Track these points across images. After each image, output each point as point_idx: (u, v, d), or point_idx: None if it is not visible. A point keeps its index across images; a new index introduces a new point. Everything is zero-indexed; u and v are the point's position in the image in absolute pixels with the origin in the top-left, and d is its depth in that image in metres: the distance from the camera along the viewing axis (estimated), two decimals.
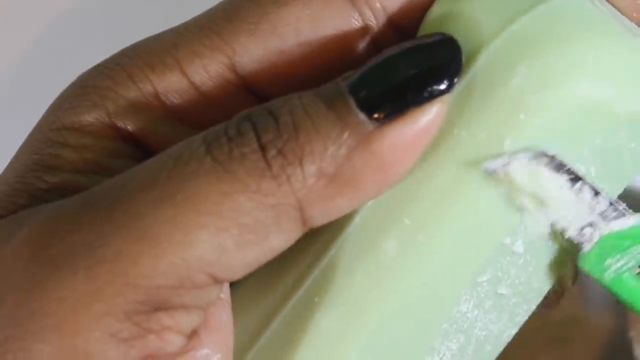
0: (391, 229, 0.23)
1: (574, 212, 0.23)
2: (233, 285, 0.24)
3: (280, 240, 0.21)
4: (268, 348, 0.23)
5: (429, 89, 0.21)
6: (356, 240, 0.23)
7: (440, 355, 0.24)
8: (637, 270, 0.24)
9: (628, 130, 0.23)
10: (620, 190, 0.24)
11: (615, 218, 0.23)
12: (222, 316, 0.23)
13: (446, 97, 0.21)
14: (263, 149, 0.21)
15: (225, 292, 0.23)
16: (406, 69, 0.21)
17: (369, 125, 0.21)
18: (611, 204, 0.23)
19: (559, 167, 0.23)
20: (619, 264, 0.24)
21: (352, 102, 0.21)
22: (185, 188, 0.20)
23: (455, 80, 0.21)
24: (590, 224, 0.23)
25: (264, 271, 0.23)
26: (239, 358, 0.24)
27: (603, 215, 0.23)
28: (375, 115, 0.21)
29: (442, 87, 0.21)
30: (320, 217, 0.21)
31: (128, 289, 0.20)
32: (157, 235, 0.20)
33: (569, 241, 0.24)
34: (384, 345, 0.23)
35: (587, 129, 0.23)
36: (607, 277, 0.24)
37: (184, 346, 0.21)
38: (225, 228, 0.20)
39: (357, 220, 0.23)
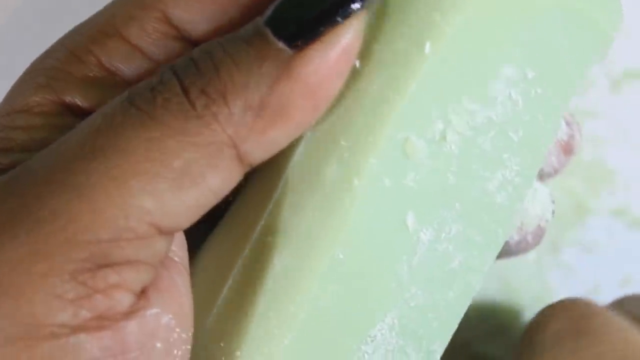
0: (330, 154, 0.22)
1: None
2: (199, 254, 0.24)
3: (217, 179, 0.21)
4: (232, 298, 0.23)
5: (344, 8, 0.21)
6: (300, 175, 0.23)
7: (400, 274, 0.23)
8: None
9: (551, 21, 0.23)
10: (569, 101, 0.24)
11: None
12: (175, 278, 0.22)
13: (362, 14, 0.21)
14: (186, 91, 0.21)
15: (180, 256, 0.23)
16: None
17: (289, 52, 0.21)
18: None
19: None
20: None
21: (268, 33, 0.21)
22: (114, 140, 0.20)
23: None
24: None
25: (224, 230, 0.23)
26: (206, 313, 0.23)
27: None
28: (294, 42, 0.21)
29: (357, 4, 0.21)
30: (257, 152, 0.21)
31: (69, 247, 0.20)
32: (92, 190, 0.20)
33: None
34: (344, 273, 0.23)
35: (507, 23, 0.23)
36: None
37: (133, 305, 0.21)
38: (158, 173, 0.20)
39: (298, 155, 0.23)
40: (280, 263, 0.23)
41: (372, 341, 0.23)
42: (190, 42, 0.24)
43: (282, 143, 0.22)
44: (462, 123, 0.23)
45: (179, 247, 0.23)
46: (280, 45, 0.21)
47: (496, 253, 0.25)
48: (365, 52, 0.22)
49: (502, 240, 0.24)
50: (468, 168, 0.23)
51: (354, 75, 0.22)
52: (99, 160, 0.20)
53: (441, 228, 0.23)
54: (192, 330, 0.22)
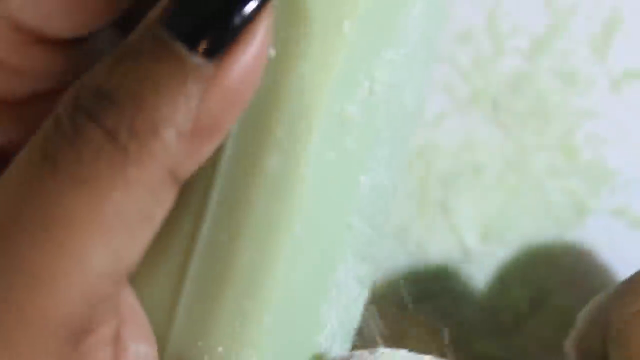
0: (268, 146, 0.22)
1: None
2: None
3: (163, 211, 0.20)
4: (195, 300, 0.23)
5: (253, 3, 0.20)
6: (237, 170, 0.23)
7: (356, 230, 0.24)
8: None
9: None
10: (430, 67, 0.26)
11: None
12: (129, 301, 0.22)
13: (270, 5, 0.20)
14: (112, 136, 0.19)
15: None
16: None
17: (209, 65, 0.19)
18: None
19: None
20: None
21: (182, 50, 0.19)
22: (50, 211, 0.19)
23: None
24: None
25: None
26: (166, 325, 0.23)
27: None
28: (212, 52, 0.19)
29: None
30: (191, 168, 0.20)
31: (44, 334, 0.19)
32: (50, 272, 0.19)
33: None
34: (306, 245, 0.23)
35: None
36: None
37: (115, 354, 0.21)
38: (109, 232, 0.19)
39: (227, 152, 0.23)
40: (242, 257, 0.23)
41: (336, 285, 0.25)
42: (49, 44, 0.23)
43: (212, 150, 0.21)
44: (384, 73, 0.23)
45: None
46: (198, 60, 0.19)
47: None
48: (278, 38, 0.21)
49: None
50: (392, 118, 0.24)
51: (272, 63, 0.21)
52: (44, 237, 0.19)
53: (379, 168, 0.25)
54: (156, 344, 0.22)
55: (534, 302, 0.45)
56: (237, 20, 0.19)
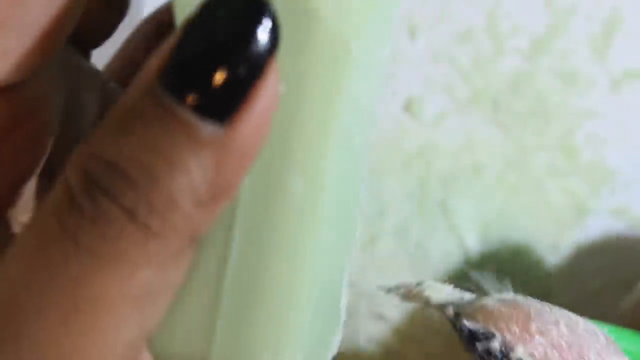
0: (291, 168, 0.22)
1: None
2: None
3: (184, 274, 0.20)
4: (229, 325, 0.24)
5: (258, 59, 0.18)
6: (260, 194, 0.23)
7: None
8: None
9: None
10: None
11: None
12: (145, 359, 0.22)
13: (274, 58, 0.18)
14: (132, 215, 0.18)
15: None
16: (224, 44, 0.18)
17: (219, 130, 0.18)
18: None
19: None
20: None
21: (186, 114, 0.18)
22: (79, 293, 0.18)
23: (277, 40, 0.18)
24: None
25: None
26: (205, 350, 0.24)
27: None
28: (222, 119, 0.18)
29: (265, 49, 0.18)
30: (208, 228, 0.20)
31: None
32: (81, 355, 0.19)
33: None
34: (328, 258, 0.24)
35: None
36: None
37: None
38: (139, 310, 0.19)
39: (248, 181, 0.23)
40: (271, 276, 0.23)
41: (345, 282, 0.26)
42: (3, 92, 0.22)
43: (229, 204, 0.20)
44: (377, 76, 0.24)
45: None
46: (209, 129, 0.18)
47: None
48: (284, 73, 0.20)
49: None
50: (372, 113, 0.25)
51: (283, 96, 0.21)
52: (75, 319, 0.19)
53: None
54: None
55: None
56: (246, 75, 0.18)
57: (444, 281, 0.30)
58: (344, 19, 0.22)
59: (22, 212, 0.23)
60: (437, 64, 0.46)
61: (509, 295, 0.29)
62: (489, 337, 0.27)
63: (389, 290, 0.29)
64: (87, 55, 0.27)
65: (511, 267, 0.46)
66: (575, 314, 0.28)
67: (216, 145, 0.18)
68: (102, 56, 0.28)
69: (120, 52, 0.30)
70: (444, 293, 0.27)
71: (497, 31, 0.46)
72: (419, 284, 0.27)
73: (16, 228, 0.23)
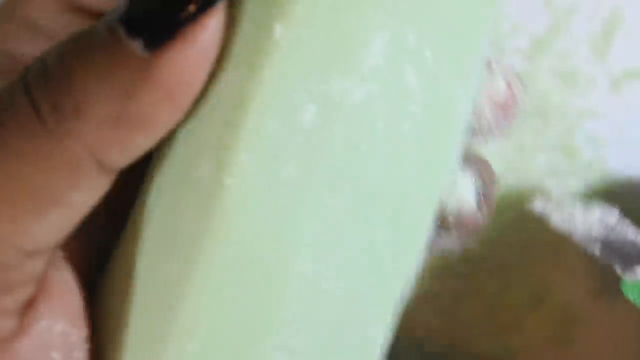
0: (201, 153, 0.21)
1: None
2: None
3: (82, 194, 0.20)
4: (129, 306, 0.22)
5: (198, 4, 0.19)
6: (176, 175, 0.22)
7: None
8: None
9: None
10: (471, 76, 0.23)
11: None
12: (64, 278, 0.22)
13: (221, 6, 0.19)
14: (35, 107, 0.19)
15: (73, 255, 0.22)
16: None
17: (145, 54, 0.19)
18: None
19: None
20: None
21: (122, 32, 0.19)
22: None
23: None
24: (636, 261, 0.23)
25: (124, 235, 0.23)
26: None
27: None
28: (150, 42, 0.19)
29: None
30: (120, 159, 0.20)
31: None
32: None
33: None
34: (236, 276, 0.21)
35: None
36: None
37: (18, 325, 0.20)
38: (12, 199, 0.19)
39: (172, 152, 0.22)
40: (166, 272, 0.21)
41: (287, 348, 0.22)
42: (89, 13, 0.23)
43: (147, 146, 0.20)
44: (335, 102, 0.20)
45: (71, 248, 0.22)
46: (134, 46, 0.19)
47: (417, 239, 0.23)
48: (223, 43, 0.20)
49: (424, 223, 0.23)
50: (356, 148, 0.21)
51: (216, 67, 0.20)
52: None
53: (341, 213, 0.21)
54: (88, 328, 0.22)
55: (534, 302, 0.45)
56: (179, 17, 0.19)
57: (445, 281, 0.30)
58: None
59: None
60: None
61: None
62: None
63: None
64: None
65: (511, 266, 0.46)
66: None
67: (138, 67, 0.19)
68: None
69: None
70: None
71: (497, 31, 0.46)
72: None
73: None
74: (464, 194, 0.25)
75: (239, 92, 0.20)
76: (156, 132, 0.20)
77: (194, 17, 0.19)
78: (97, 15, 0.23)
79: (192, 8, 0.19)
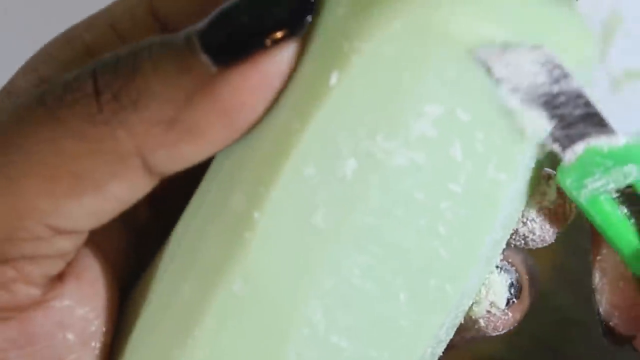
0: (236, 183, 0.21)
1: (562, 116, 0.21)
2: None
3: (123, 188, 0.20)
4: (148, 317, 0.23)
5: (274, 35, 0.20)
6: (213, 200, 0.22)
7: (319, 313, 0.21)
8: (614, 195, 0.23)
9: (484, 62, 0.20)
10: (524, 149, 0.21)
11: (603, 133, 0.21)
12: (100, 270, 0.22)
13: (291, 42, 0.20)
14: (97, 92, 0.20)
15: (109, 251, 0.23)
16: (253, 12, 0.20)
17: (212, 68, 0.20)
18: (601, 117, 0.21)
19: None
20: (597, 184, 0.22)
21: (197, 45, 0.20)
22: (15, 137, 0.20)
23: (303, 25, 0.20)
24: (579, 135, 0.21)
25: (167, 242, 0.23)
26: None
27: (593, 126, 0.21)
28: (220, 59, 0.20)
29: (289, 31, 0.20)
30: (167, 164, 0.20)
31: None
32: None
33: (548, 154, 0.21)
34: (245, 311, 0.21)
35: (428, 53, 0.20)
36: (584, 196, 0.22)
37: (40, 296, 0.21)
38: (55, 176, 0.20)
39: (217, 177, 0.22)
40: (184, 293, 0.22)
41: None
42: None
43: (195, 159, 0.21)
44: (377, 161, 0.20)
45: (111, 246, 0.23)
46: (204, 59, 0.20)
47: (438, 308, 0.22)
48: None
49: (449, 296, 0.22)
50: (390, 212, 0.21)
51: (275, 102, 0.21)
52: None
53: (362, 273, 0.21)
54: (112, 323, 0.23)
55: (534, 302, 0.45)
56: (255, 43, 0.20)
57: None
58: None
59: None
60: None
61: None
62: None
63: None
64: None
65: None
66: None
67: (202, 79, 0.20)
68: None
69: None
70: None
71: None
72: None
73: None
74: (496, 294, 0.25)
75: (285, 132, 0.20)
76: (206, 147, 0.20)
77: (268, 47, 0.20)
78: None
79: (268, 39, 0.20)
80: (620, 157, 0.22)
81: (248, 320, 0.21)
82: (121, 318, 0.23)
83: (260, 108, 0.20)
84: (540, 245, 0.25)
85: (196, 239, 0.22)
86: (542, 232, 0.24)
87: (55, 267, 0.21)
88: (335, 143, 0.20)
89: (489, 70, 0.20)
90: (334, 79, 0.20)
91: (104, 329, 0.22)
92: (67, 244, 0.21)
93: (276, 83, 0.20)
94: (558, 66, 0.21)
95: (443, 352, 0.24)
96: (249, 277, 0.21)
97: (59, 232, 0.21)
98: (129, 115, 0.20)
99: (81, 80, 0.20)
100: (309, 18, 0.20)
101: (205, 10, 0.21)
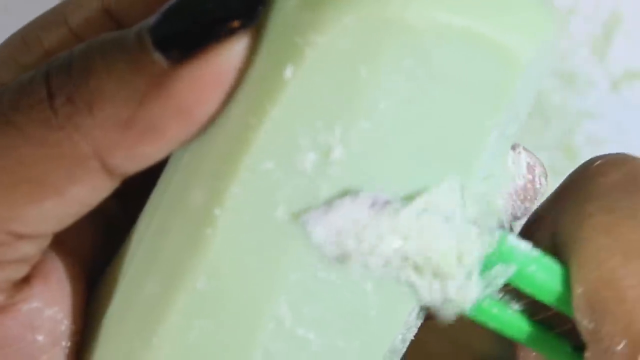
0: (196, 179, 0.21)
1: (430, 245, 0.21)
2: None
3: (83, 191, 0.20)
4: (113, 314, 0.22)
5: (227, 25, 0.19)
6: (173, 196, 0.21)
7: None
8: (498, 296, 0.23)
9: (448, 47, 0.20)
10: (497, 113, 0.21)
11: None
12: (67, 270, 0.22)
13: (242, 34, 0.19)
14: (51, 96, 0.20)
15: (78, 251, 0.23)
16: (203, 4, 0.20)
17: (164, 65, 0.19)
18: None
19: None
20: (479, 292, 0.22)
21: (148, 41, 0.19)
22: None
23: (256, 15, 0.20)
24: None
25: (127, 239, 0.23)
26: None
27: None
28: (172, 55, 0.19)
29: (241, 23, 0.19)
30: (126, 165, 0.20)
31: None
32: None
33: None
34: (210, 308, 0.21)
35: (384, 45, 0.19)
36: (469, 310, 0.22)
37: (5, 301, 0.21)
38: (14, 183, 0.20)
39: (178, 173, 0.21)
40: (148, 291, 0.21)
41: None
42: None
43: (155, 157, 0.20)
44: (336, 153, 0.20)
45: (77, 244, 0.23)
46: (156, 56, 0.19)
47: None
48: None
49: None
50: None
51: (231, 97, 0.20)
52: None
53: (326, 265, 0.21)
54: (83, 321, 0.22)
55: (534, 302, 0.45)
56: (205, 37, 0.19)
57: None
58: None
59: None
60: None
61: None
62: None
63: None
64: None
65: None
66: None
67: (154, 77, 0.19)
68: None
69: None
70: None
71: None
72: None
73: None
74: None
75: (242, 127, 0.20)
76: (164, 145, 0.20)
77: (220, 40, 0.19)
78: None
79: (220, 31, 0.19)
80: (486, 264, 0.22)
81: (213, 318, 0.21)
82: (90, 315, 0.23)
83: (215, 103, 0.20)
84: (512, 221, 0.24)
85: (157, 236, 0.21)
86: (513, 209, 0.24)
87: (20, 271, 0.21)
88: (294, 137, 0.20)
89: None
90: (288, 72, 0.19)
91: (74, 327, 0.22)
92: (31, 248, 0.21)
93: (230, 77, 0.20)
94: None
95: (420, 330, 0.24)
96: (213, 274, 0.21)
97: (21, 237, 0.20)
98: (84, 119, 0.19)
99: (34, 83, 0.20)
100: (261, 8, 0.20)
101: (160, 2, 0.21)
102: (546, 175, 0.25)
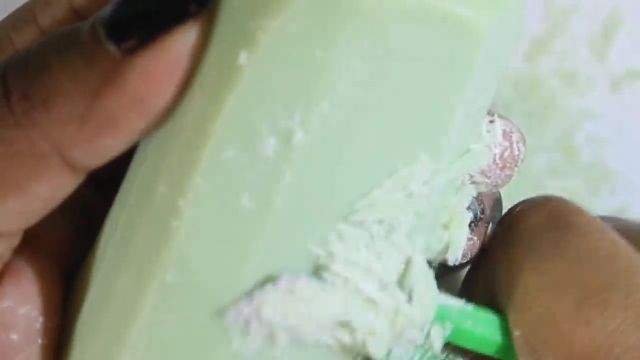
0: (160, 171, 0.21)
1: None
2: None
3: (46, 187, 0.20)
4: (89, 310, 0.22)
5: (177, 13, 0.19)
6: (139, 189, 0.21)
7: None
8: (444, 354, 0.23)
9: (403, 27, 0.19)
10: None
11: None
12: (39, 267, 0.22)
13: (193, 21, 0.19)
14: (7, 93, 0.19)
15: (51, 247, 0.22)
16: None
17: (117, 56, 0.19)
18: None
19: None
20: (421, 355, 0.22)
21: (101, 33, 0.19)
22: None
23: (207, 1, 0.19)
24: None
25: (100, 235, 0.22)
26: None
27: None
28: (125, 45, 0.19)
29: (191, 10, 0.19)
30: (88, 160, 0.20)
31: None
32: None
33: None
34: (182, 302, 0.21)
35: (338, 27, 0.19)
36: None
37: None
38: None
39: (143, 164, 0.21)
40: (120, 286, 0.21)
41: None
42: None
43: (117, 150, 0.20)
44: (297, 137, 0.20)
45: (52, 239, 0.23)
46: (110, 47, 0.19)
47: None
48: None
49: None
50: (315, 185, 0.21)
51: (189, 86, 0.20)
52: None
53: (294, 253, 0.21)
54: (59, 318, 0.22)
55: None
56: (156, 27, 0.19)
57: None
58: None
59: None
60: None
61: None
62: None
63: None
64: None
65: None
66: None
67: (108, 69, 0.19)
68: None
69: None
70: None
71: None
72: None
73: None
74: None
75: (201, 116, 0.20)
76: (123, 137, 0.20)
77: (169, 28, 0.19)
78: None
79: (169, 19, 0.19)
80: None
81: (185, 309, 0.21)
82: (67, 311, 0.23)
83: (170, 92, 0.20)
84: (494, 190, 0.25)
85: (127, 230, 0.21)
86: (493, 178, 0.24)
87: None
88: (253, 123, 0.20)
89: None
90: (242, 58, 0.19)
91: (50, 325, 0.22)
92: (1, 247, 0.21)
93: (183, 65, 0.20)
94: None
95: None
96: (182, 266, 0.20)
97: None
98: (40, 115, 0.19)
99: None
100: None
101: None
102: (524, 140, 0.25)
